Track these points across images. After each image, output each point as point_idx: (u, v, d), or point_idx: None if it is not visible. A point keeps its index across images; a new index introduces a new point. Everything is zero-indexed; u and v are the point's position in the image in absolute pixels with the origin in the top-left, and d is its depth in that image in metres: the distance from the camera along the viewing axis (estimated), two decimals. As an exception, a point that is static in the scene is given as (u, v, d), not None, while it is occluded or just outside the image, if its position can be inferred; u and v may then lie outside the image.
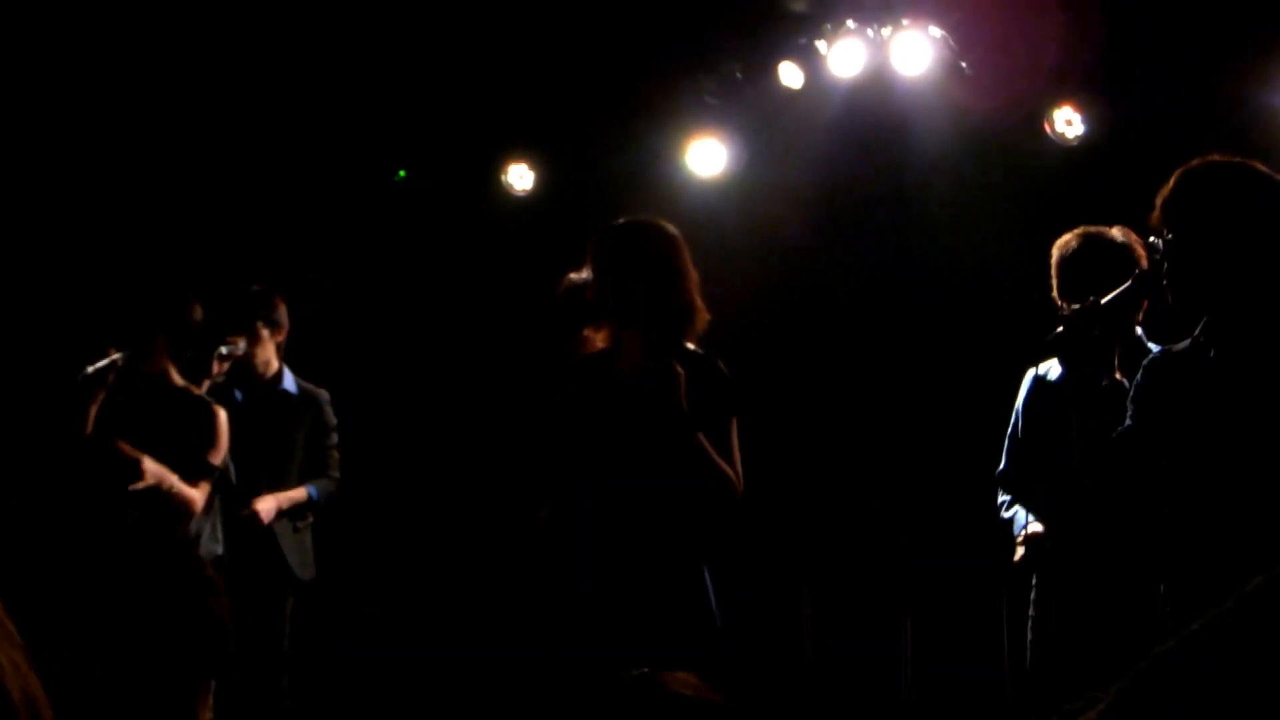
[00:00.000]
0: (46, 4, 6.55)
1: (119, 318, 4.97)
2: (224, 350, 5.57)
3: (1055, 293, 4.42)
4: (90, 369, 4.81)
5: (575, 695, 3.73)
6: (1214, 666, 0.85)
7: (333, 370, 6.46)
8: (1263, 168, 3.36)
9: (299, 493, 5.89)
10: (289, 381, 6.02)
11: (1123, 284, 4.28)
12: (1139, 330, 4.36)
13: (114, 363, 4.84)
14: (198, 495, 4.96)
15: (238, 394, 5.83)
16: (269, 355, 5.95)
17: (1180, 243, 3.35)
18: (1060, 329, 3.53)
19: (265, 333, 5.90)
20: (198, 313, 5.10)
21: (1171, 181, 3.38)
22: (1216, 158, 3.39)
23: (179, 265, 6.32)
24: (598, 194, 7.18)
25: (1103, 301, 3.54)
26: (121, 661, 1.73)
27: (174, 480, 4.83)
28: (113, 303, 5.01)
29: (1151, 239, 3.46)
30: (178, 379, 5.08)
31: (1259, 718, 0.83)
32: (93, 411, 4.83)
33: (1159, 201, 3.40)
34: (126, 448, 4.74)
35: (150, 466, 4.75)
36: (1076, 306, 3.54)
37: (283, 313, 6.00)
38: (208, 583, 1.83)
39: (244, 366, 5.86)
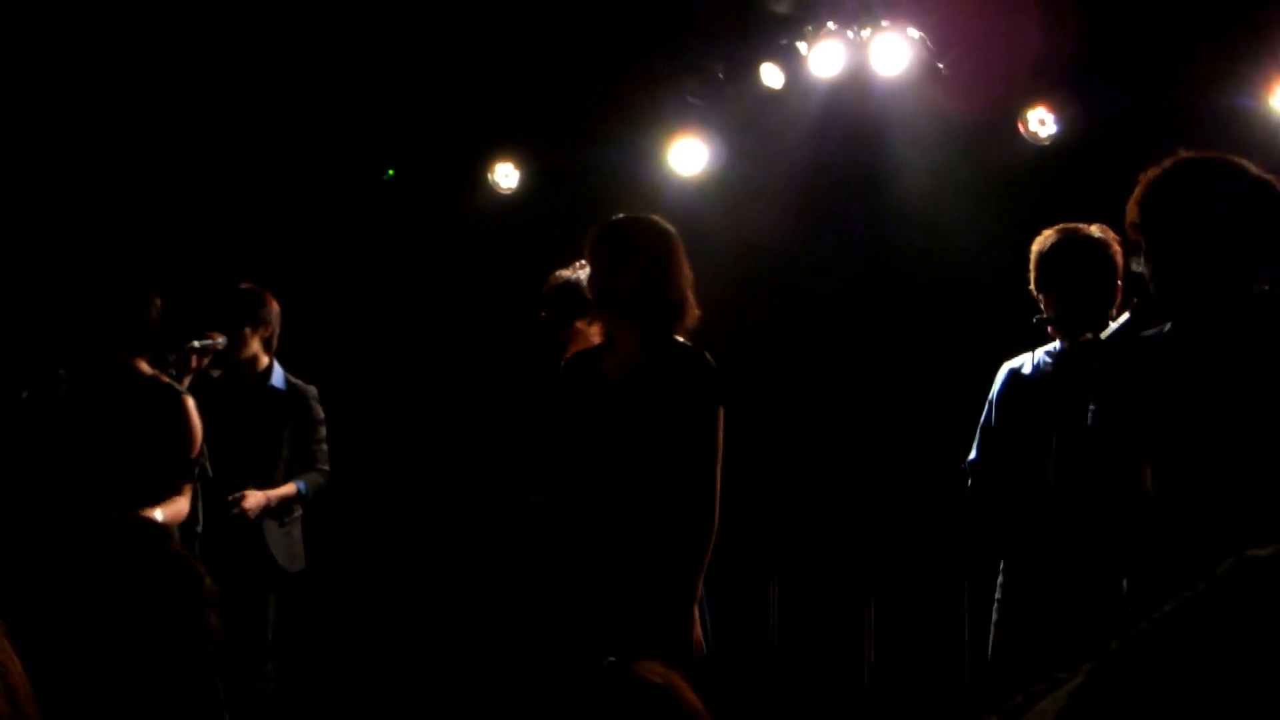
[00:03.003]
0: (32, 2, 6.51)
1: (78, 319, 4.96)
2: (197, 344, 5.51)
3: (1033, 286, 4.44)
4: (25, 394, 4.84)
5: (547, 685, 3.73)
6: (1186, 648, 0.83)
7: (323, 366, 6.44)
8: (1226, 160, 3.32)
9: (288, 489, 5.86)
10: (277, 377, 5.98)
11: (1094, 279, 4.30)
12: (1111, 325, 4.36)
13: (60, 379, 4.88)
14: (184, 502, 4.96)
15: (227, 389, 5.80)
16: (255, 351, 5.91)
17: (1156, 252, 3.32)
18: (1061, 365, 3.47)
19: (249, 330, 5.85)
20: (156, 306, 5.07)
21: (1138, 192, 3.35)
22: (1183, 157, 3.36)
23: (138, 263, 6.27)
24: (582, 192, 7.19)
25: (1102, 337, 3.49)
26: (112, 669, 1.72)
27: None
28: (72, 305, 4.99)
29: (1133, 265, 3.44)
30: (146, 369, 5.06)
31: (1231, 698, 0.81)
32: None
33: (1134, 207, 3.37)
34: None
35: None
36: (1078, 341, 3.47)
37: (270, 310, 5.95)
38: (205, 599, 1.81)
39: (232, 362, 5.82)
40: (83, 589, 1.72)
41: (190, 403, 5.01)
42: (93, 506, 4.62)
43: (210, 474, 5.29)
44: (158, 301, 5.06)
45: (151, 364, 5.11)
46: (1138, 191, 3.35)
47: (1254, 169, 3.31)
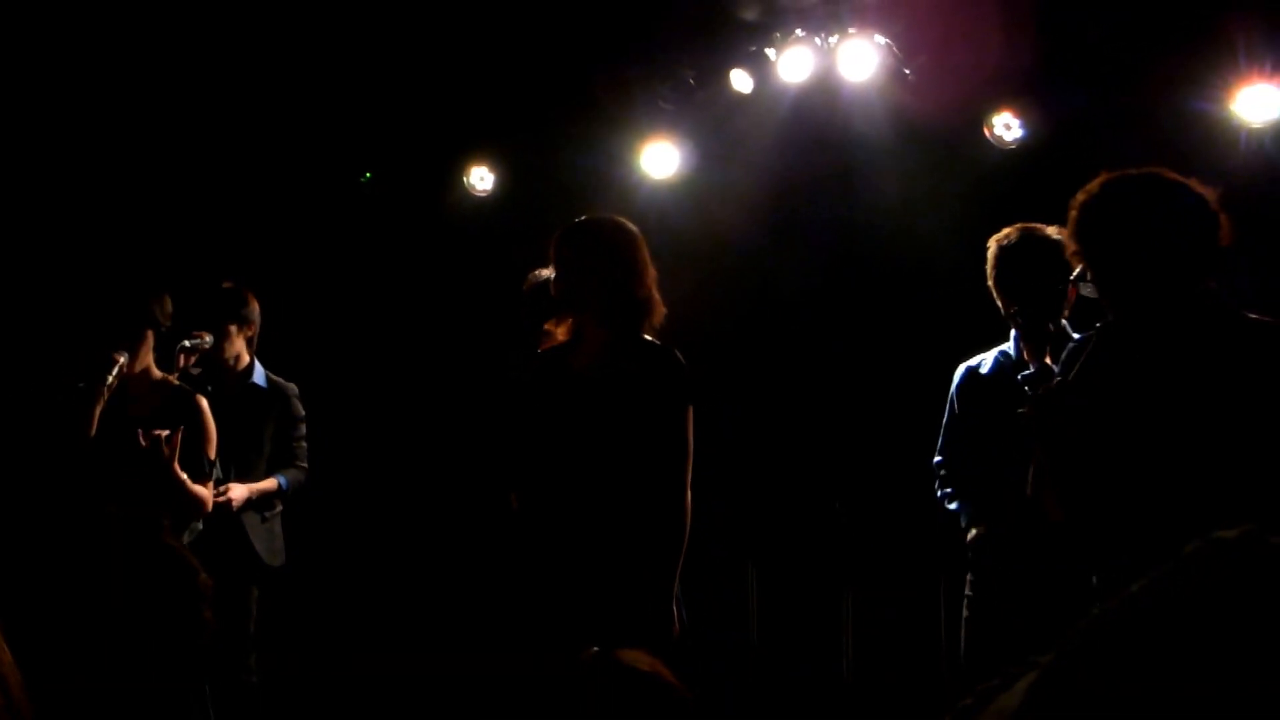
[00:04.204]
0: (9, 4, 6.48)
1: (115, 318, 4.87)
2: (187, 344, 5.50)
3: (990, 282, 4.48)
4: (110, 379, 4.73)
5: (534, 673, 3.73)
6: (1155, 625, 0.85)
7: (302, 365, 6.43)
8: (1150, 175, 3.34)
9: (269, 483, 5.86)
10: (259, 375, 5.99)
11: (1049, 278, 4.33)
12: (1064, 322, 4.41)
13: (121, 367, 4.78)
14: (207, 494, 4.92)
15: (209, 387, 5.78)
16: (239, 350, 5.92)
17: (1102, 269, 3.35)
18: (1028, 409, 3.48)
19: (234, 328, 5.86)
20: (169, 305, 5.05)
21: (1075, 212, 3.36)
22: (1109, 179, 3.36)
23: (152, 261, 6.25)
24: (556, 194, 7.19)
25: (1068, 377, 3.50)
26: (107, 661, 1.71)
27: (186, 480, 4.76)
28: (106, 303, 4.90)
29: (1081, 288, 3.46)
30: (156, 372, 5.02)
31: (1198, 674, 0.82)
32: (97, 414, 4.75)
33: (1070, 236, 3.38)
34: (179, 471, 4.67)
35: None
36: (1048, 387, 3.48)
37: (253, 309, 5.97)
38: (200, 594, 1.80)
39: (215, 361, 5.81)
40: (79, 582, 1.71)
41: (205, 404, 4.98)
42: (109, 509, 4.55)
43: (224, 475, 5.29)
44: (169, 301, 5.02)
45: (158, 365, 5.07)
46: (1071, 219, 3.37)
47: (1179, 178, 3.33)
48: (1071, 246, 3.39)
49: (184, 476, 4.68)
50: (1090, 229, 3.33)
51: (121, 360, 4.77)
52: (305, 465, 6.04)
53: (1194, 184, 3.30)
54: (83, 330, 4.87)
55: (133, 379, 4.87)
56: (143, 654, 1.71)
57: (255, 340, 6.00)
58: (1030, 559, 4.33)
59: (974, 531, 4.55)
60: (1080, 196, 3.36)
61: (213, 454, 4.97)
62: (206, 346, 5.63)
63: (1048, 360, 4.24)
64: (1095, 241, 3.33)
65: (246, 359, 5.96)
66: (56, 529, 1.84)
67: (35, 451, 4.75)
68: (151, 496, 4.64)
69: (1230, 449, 3.19)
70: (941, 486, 4.78)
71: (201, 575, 1.81)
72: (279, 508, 5.94)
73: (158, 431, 4.56)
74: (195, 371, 5.74)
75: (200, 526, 5.05)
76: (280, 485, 5.88)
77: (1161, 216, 3.26)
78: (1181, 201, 3.28)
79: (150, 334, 4.94)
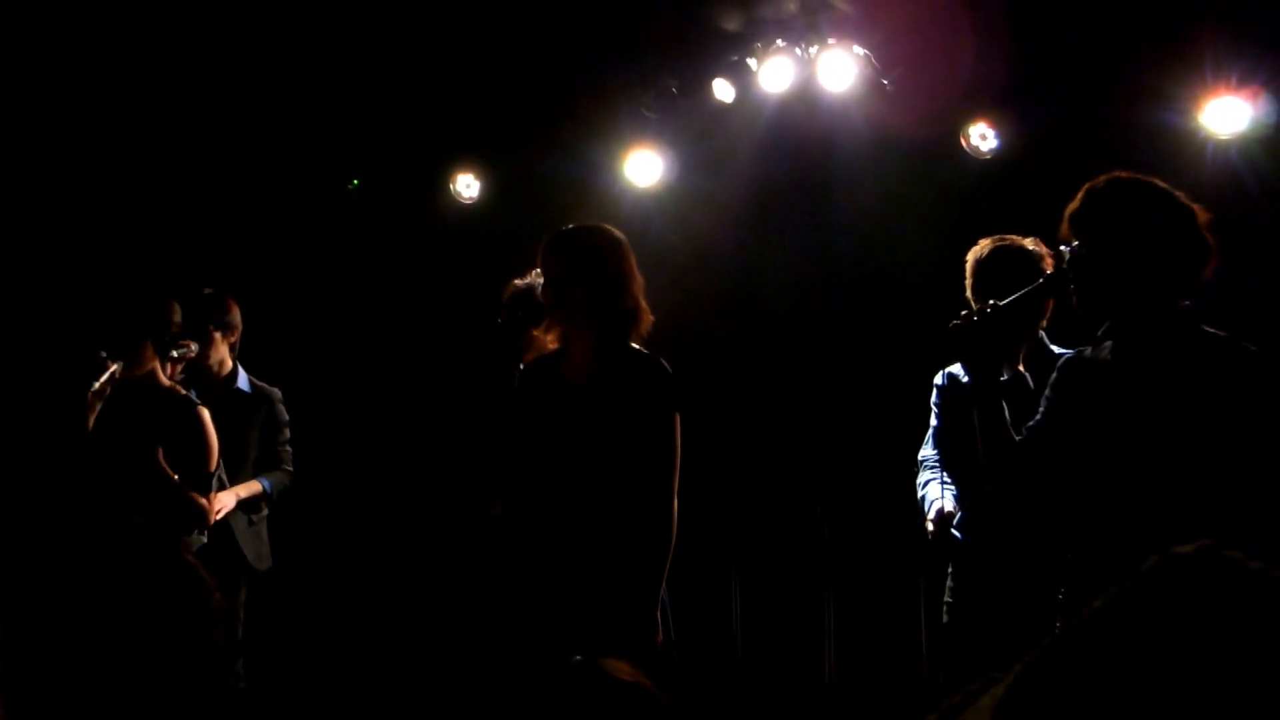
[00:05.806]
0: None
1: (109, 325, 4.85)
2: (175, 353, 5.48)
3: (968, 293, 4.50)
4: (96, 385, 4.70)
5: (517, 681, 3.72)
6: (1115, 640, 0.85)
7: (288, 370, 6.41)
8: (1160, 184, 3.40)
9: (254, 486, 5.84)
10: (242, 380, 5.98)
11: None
12: (1042, 333, 4.43)
13: (113, 374, 4.75)
14: (209, 505, 4.91)
15: (193, 393, 5.76)
16: (222, 356, 5.91)
17: (1085, 252, 3.39)
18: (956, 323, 3.55)
19: (218, 335, 5.85)
20: (177, 314, 5.02)
21: (1078, 197, 3.43)
22: (1121, 175, 3.43)
23: (147, 269, 6.22)
24: (541, 202, 7.17)
25: (1000, 304, 3.56)
26: (119, 676, 1.69)
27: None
28: (101, 310, 4.88)
29: (1061, 247, 3.50)
30: (164, 380, 4.99)
31: (1157, 686, 0.82)
32: (91, 421, 4.72)
33: (1066, 214, 3.44)
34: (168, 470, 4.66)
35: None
36: (977, 309, 3.55)
37: (235, 315, 5.96)
38: (213, 615, 1.79)
39: (198, 367, 5.79)
40: (94, 588, 1.70)
41: (206, 414, 4.96)
42: (112, 517, 4.53)
43: (226, 484, 5.26)
44: (178, 308, 5.00)
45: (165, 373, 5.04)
46: (1076, 204, 3.42)
47: (1188, 202, 3.39)
48: (1070, 222, 3.43)
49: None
50: (1094, 214, 3.38)
51: (113, 367, 4.74)
52: (290, 469, 6.04)
53: (1199, 211, 3.36)
54: (81, 335, 4.85)
55: (136, 386, 4.85)
56: (147, 667, 1.70)
57: (238, 346, 5.99)
58: (1003, 558, 4.33)
59: (934, 512, 4.54)
60: (1089, 185, 3.42)
61: (213, 466, 4.95)
62: (192, 354, 5.61)
63: (1021, 369, 4.27)
64: (1097, 226, 3.37)
65: (229, 364, 5.96)
66: (75, 534, 1.82)
67: (35, 453, 4.72)
68: (156, 504, 4.63)
69: (1188, 463, 3.22)
70: (921, 479, 4.79)
71: (217, 596, 1.80)
72: (265, 511, 5.92)
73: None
74: (178, 378, 5.72)
75: (205, 539, 5.03)
76: (264, 489, 5.86)
77: (1162, 223, 3.34)
78: (1186, 220, 3.36)
79: (148, 342, 4.92)
